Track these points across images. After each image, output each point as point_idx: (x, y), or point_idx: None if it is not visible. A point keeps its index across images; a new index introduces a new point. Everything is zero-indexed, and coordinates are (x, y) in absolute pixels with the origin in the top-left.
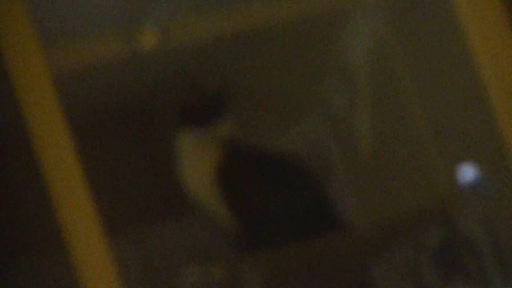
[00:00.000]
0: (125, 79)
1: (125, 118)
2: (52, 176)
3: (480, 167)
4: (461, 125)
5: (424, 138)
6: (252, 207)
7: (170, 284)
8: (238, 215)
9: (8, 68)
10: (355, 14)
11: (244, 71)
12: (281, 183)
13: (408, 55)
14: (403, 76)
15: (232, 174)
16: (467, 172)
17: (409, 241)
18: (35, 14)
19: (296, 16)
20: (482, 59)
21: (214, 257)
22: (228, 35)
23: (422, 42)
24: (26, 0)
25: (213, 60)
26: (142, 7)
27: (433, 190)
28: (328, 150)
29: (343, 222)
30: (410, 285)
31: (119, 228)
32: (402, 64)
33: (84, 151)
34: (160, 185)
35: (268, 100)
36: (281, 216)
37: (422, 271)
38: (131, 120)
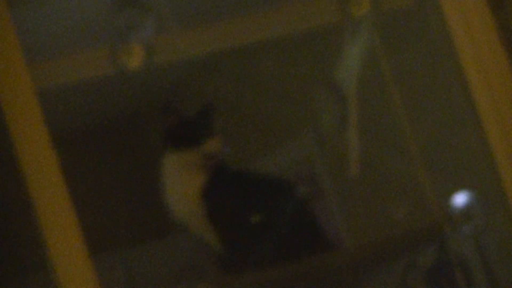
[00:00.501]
0: (109, 95)
1: (110, 135)
2: (36, 194)
3: (471, 187)
4: (453, 145)
5: (415, 157)
6: (237, 228)
7: None
8: (224, 236)
9: None
10: (344, 30)
11: (230, 88)
12: (267, 205)
13: (398, 72)
14: (394, 93)
15: (217, 195)
16: (459, 193)
17: (400, 262)
18: (21, 30)
19: (284, 33)
20: (474, 75)
21: (200, 276)
22: (214, 52)
23: (413, 59)
24: (12, 15)
25: (199, 77)
26: (127, 23)
27: (424, 210)
28: (316, 169)
29: (332, 243)
30: None
31: (103, 248)
32: (393, 81)
33: (68, 169)
34: (144, 204)
35: (255, 119)
36: (268, 237)
37: None
38: (116, 138)
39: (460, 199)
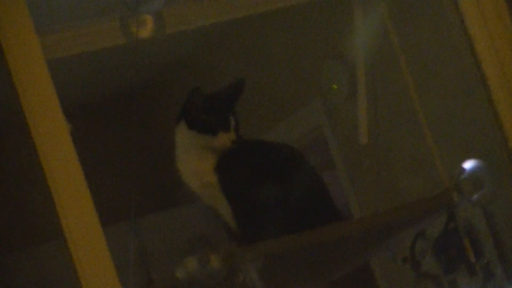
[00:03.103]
0: (120, 66)
1: (122, 106)
2: (49, 164)
3: (480, 157)
4: (462, 116)
5: (425, 128)
6: (249, 199)
7: (168, 273)
8: (236, 207)
9: (5, 54)
10: (353, 1)
11: (240, 58)
12: (280, 175)
13: (408, 44)
14: (404, 65)
15: (229, 167)
16: (468, 162)
17: (409, 231)
18: (31, 1)
19: (293, 3)
20: (483, 46)
21: (212, 247)
22: (223, 23)
23: (422, 31)
24: None
25: (209, 47)
26: None
27: (433, 180)
28: (326, 139)
29: (342, 213)
30: (412, 274)
31: (116, 217)
32: (403, 53)
33: (80, 139)
34: (156, 174)
35: (264, 89)
36: (279, 208)
37: (423, 260)
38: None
39: (468, 168)
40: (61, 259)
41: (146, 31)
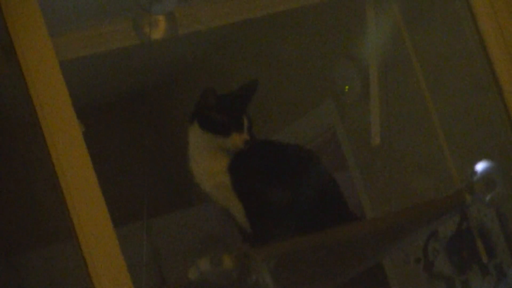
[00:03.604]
0: (133, 66)
1: (135, 106)
2: (61, 165)
3: (492, 157)
4: (475, 116)
5: (437, 128)
6: (262, 200)
7: (181, 274)
8: (249, 208)
9: (18, 56)
10: (366, 1)
11: (252, 59)
12: (293, 175)
13: (421, 44)
14: (416, 66)
15: (242, 168)
16: (480, 163)
17: (422, 232)
18: (44, 2)
19: (305, 4)
20: (495, 46)
21: (224, 248)
22: (236, 23)
23: (435, 31)
24: None
25: (221, 47)
26: None
27: (446, 180)
28: (338, 139)
29: (355, 213)
30: (424, 275)
31: (128, 218)
32: (415, 53)
33: (92, 140)
34: (169, 174)
35: (276, 89)
36: (292, 209)
37: (436, 261)
38: (141, 108)
39: (481, 169)
40: (74, 260)
41: (158, 31)
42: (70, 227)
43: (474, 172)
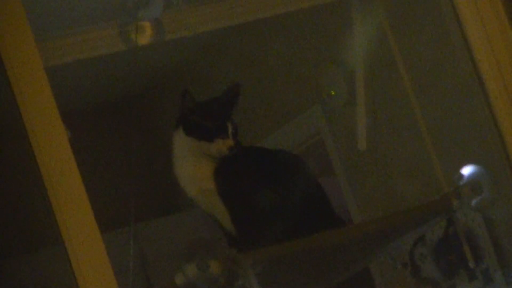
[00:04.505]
0: (119, 72)
1: (120, 112)
2: (47, 171)
3: (479, 162)
4: (461, 121)
5: (424, 133)
6: (248, 205)
7: (167, 279)
8: (235, 214)
9: (4, 61)
10: (352, 7)
11: (238, 64)
12: (279, 181)
13: (407, 50)
14: (403, 71)
15: (228, 173)
16: (467, 167)
17: (408, 236)
18: (30, 8)
19: (291, 10)
20: (482, 52)
21: (211, 253)
22: (222, 28)
23: (421, 37)
24: None
25: (208, 53)
26: (136, 1)
27: (432, 185)
28: (325, 143)
29: (341, 218)
30: (411, 279)
31: (115, 224)
32: (402, 59)
33: (78, 146)
34: (155, 180)
35: (263, 95)
36: (278, 214)
37: (423, 266)
38: (127, 114)
39: (468, 174)
40: (60, 265)
41: (145, 37)
42: (57, 232)
43: (460, 177)
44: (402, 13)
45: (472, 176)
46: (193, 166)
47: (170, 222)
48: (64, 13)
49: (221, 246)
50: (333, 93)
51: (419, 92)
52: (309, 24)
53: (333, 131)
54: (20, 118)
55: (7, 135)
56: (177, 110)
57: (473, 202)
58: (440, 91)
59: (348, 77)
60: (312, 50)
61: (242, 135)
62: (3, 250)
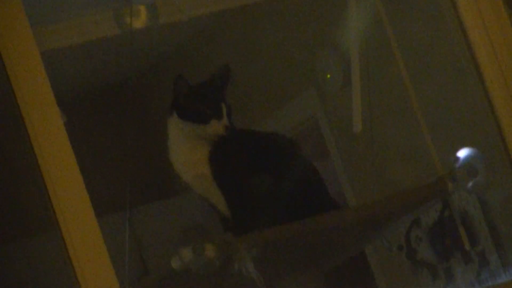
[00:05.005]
0: (114, 57)
1: (115, 96)
2: (42, 155)
3: (474, 145)
4: (456, 104)
5: (419, 117)
6: (243, 189)
7: (163, 263)
8: (230, 198)
9: None
10: None
11: (233, 48)
12: (274, 164)
13: (403, 34)
14: (398, 55)
15: (223, 157)
16: (462, 150)
17: (404, 220)
18: None
19: None
20: (477, 36)
21: (206, 237)
22: (216, 13)
23: (417, 21)
24: None
25: (203, 37)
26: None
27: (428, 168)
28: (320, 127)
29: (337, 202)
30: (407, 262)
31: (110, 208)
32: (397, 43)
33: (74, 130)
34: (150, 165)
35: (258, 79)
36: (273, 198)
37: (418, 248)
38: (121, 99)
39: (463, 156)
40: (56, 250)
41: (140, 21)
42: (52, 217)
43: (456, 159)
44: None
45: (467, 159)
46: (188, 151)
47: (166, 206)
48: None
49: (217, 230)
50: (328, 76)
51: (414, 75)
52: (304, 7)
53: (328, 114)
54: (15, 102)
55: (1, 119)
56: (170, 95)
57: (468, 185)
58: (435, 74)
59: (344, 61)
60: (307, 33)
61: (237, 119)
62: None
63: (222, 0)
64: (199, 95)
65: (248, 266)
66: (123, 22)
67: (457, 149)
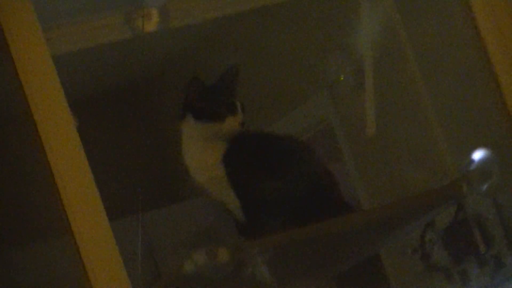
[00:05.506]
0: (126, 60)
1: (128, 100)
2: (55, 159)
3: (488, 146)
4: (469, 105)
5: (432, 118)
6: (258, 192)
7: (176, 267)
8: (244, 201)
9: (11, 50)
10: None
11: (246, 50)
12: (288, 167)
13: (414, 34)
14: (410, 55)
15: (237, 160)
16: (476, 152)
17: (418, 223)
18: None
19: None
20: (489, 37)
21: (219, 241)
22: (229, 15)
23: (429, 20)
24: None
25: (214, 40)
26: None
27: (441, 170)
28: (333, 129)
29: (350, 205)
30: (421, 265)
31: (122, 212)
32: (409, 43)
33: (86, 134)
34: (163, 168)
35: (271, 81)
36: (288, 200)
37: (433, 251)
38: (134, 102)
39: (477, 159)
40: (68, 255)
41: (151, 24)
42: (65, 221)
43: (470, 162)
44: None
45: (482, 161)
46: (202, 153)
47: (179, 210)
48: (70, 1)
49: (230, 234)
50: (341, 78)
51: (427, 77)
52: (316, 9)
53: (341, 116)
54: (27, 106)
55: (14, 124)
56: (182, 98)
57: (483, 187)
58: (448, 75)
59: (356, 63)
60: (319, 35)
61: (249, 122)
62: (9, 240)
63: (233, 3)
64: (214, 95)
65: (261, 270)
66: (134, 26)
67: (470, 152)
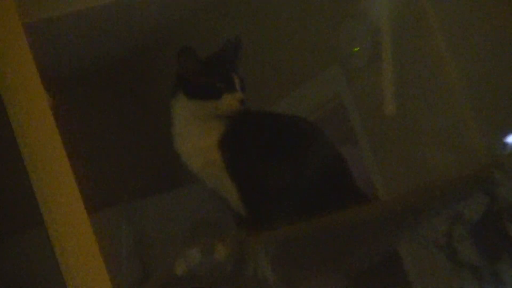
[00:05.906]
0: (112, 28)
1: (111, 76)
2: (28, 146)
3: None
4: (501, 80)
5: (459, 97)
6: (260, 178)
7: (167, 266)
8: (244, 189)
9: None
10: None
11: (247, 20)
12: (293, 151)
13: (440, 6)
14: (435, 27)
15: (236, 144)
16: (509, 134)
17: (443, 215)
18: None
19: None
20: None
21: (217, 234)
22: None
23: None
24: None
25: (212, 8)
26: None
27: (470, 155)
28: (346, 108)
29: (366, 193)
30: (447, 264)
31: (107, 202)
32: (433, 8)
33: (63, 116)
34: (152, 153)
35: (277, 53)
36: (294, 188)
37: (461, 249)
38: (120, 78)
39: (510, 141)
40: (44, 249)
41: None
42: (38, 213)
43: (504, 145)
44: None
45: None
46: (196, 136)
47: (170, 199)
48: None
49: (229, 227)
50: (355, 49)
51: (453, 49)
52: None
53: (355, 93)
54: None
55: None
56: (174, 74)
57: None
58: (478, 46)
59: (372, 32)
60: (331, 2)
61: (251, 99)
62: None
63: None
64: (209, 69)
65: (264, 269)
66: None
67: (504, 133)
